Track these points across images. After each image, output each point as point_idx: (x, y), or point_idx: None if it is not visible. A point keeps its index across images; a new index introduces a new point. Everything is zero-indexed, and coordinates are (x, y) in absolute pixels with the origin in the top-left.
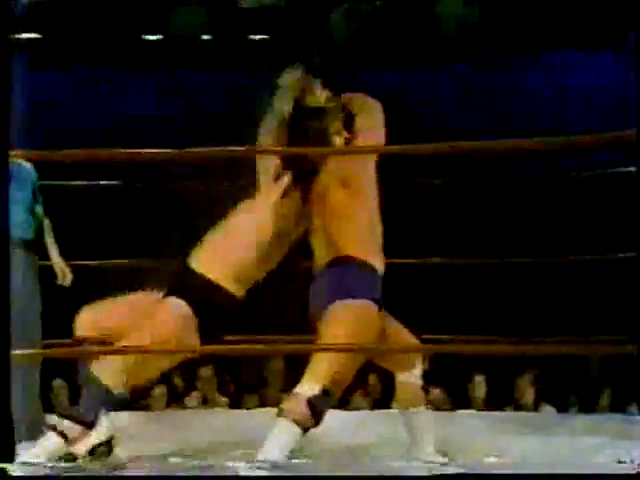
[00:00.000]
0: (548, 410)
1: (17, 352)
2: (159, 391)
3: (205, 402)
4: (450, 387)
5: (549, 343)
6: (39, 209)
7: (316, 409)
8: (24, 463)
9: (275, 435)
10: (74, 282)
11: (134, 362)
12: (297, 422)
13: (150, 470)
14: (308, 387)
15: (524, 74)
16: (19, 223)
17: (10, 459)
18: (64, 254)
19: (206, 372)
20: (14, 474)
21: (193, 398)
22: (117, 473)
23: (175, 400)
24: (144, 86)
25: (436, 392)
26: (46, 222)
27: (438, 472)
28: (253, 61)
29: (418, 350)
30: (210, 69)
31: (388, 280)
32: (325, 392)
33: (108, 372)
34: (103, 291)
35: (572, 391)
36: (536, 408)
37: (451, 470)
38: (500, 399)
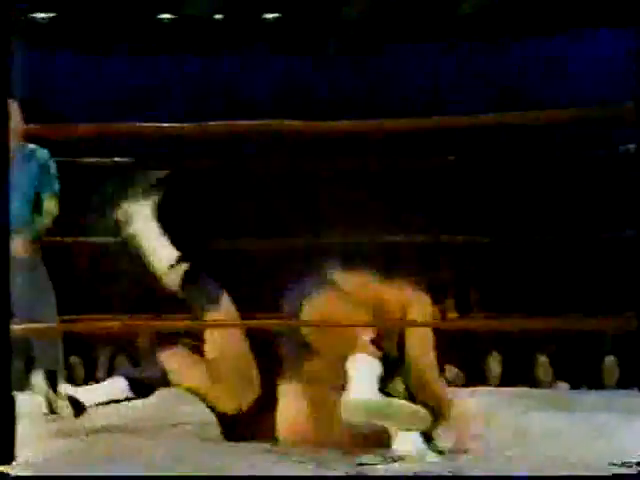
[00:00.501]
0: (562, 387)
1: (16, 327)
2: None
3: None
4: (466, 365)
5: (553, 318)
6: (46, 200)
7: (378, 340)
8: (24, 463)
9: (359, 371)
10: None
11: None
12: (370, 354)
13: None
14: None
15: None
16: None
17: (10, 460)
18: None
19: None
20: (14, 474)
21: None
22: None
23: None
24: (156, 66)
25: (453, 370)
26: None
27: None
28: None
29: (433, 325)
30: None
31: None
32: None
33: None
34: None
35: (582, 368)
36: (551, 385)
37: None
38: (515, 377)
